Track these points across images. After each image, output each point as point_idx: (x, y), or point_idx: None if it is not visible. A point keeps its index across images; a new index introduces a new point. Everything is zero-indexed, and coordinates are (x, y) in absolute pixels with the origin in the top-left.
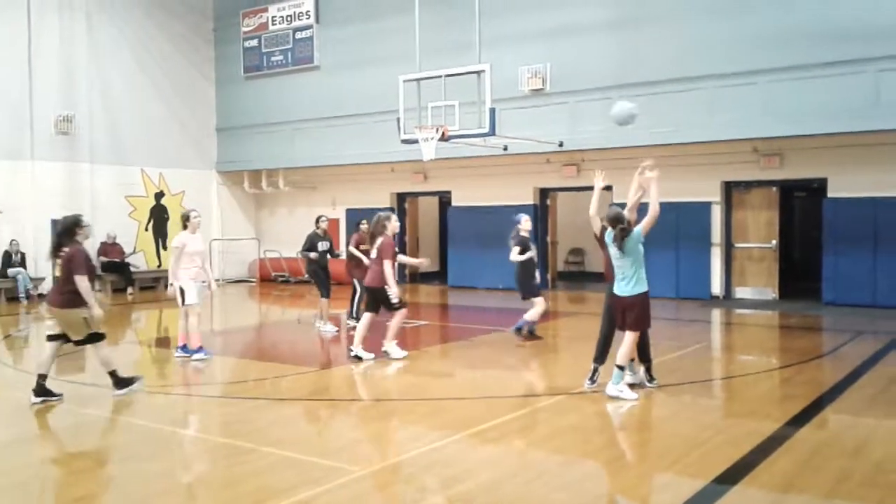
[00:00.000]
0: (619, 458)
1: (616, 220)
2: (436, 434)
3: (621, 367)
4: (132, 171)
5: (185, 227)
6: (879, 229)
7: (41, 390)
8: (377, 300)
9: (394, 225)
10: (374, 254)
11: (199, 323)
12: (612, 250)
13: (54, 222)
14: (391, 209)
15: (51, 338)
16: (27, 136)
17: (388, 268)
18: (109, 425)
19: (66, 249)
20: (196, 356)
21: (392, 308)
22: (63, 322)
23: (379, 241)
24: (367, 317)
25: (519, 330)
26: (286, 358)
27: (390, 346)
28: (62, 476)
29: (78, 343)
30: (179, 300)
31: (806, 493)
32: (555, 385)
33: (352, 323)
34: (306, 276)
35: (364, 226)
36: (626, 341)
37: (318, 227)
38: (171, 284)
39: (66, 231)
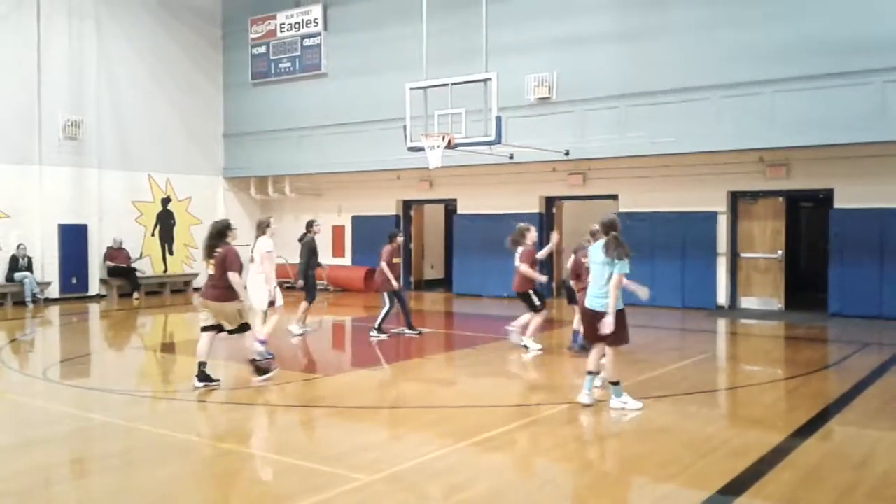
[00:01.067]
0: (622, 468)
1: (611, 227)
2: (439, 442)
3: (616, 384)
4: (139, 177)
5: (263, 232)
6: (886, 240)
7: (203, 376)
8: (524, 303)
9: (532, 234)
10: (517, 262)
11: (264, 324)
12: (600, 258)
13: (64, 227)
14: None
15: (205, 328)
16: (35, 141)
17: (532, 273)
18: (113, 431)
19: (220, 250)
20: (259, 348)
21: (535, 310)
22: (219, 314)
23: (520, 250)
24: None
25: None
26: (290, 364)
27: (528, 341)
28: (65, 482)
29: (231, 332)
30: (260, 304)
31: None
32: (559, 394)
33: (375, 336)
34: (300, 281)
35: (401, 238)
36: (610, 358)
37: (313, 232)
38: (275, 288)
39: (219, 233)
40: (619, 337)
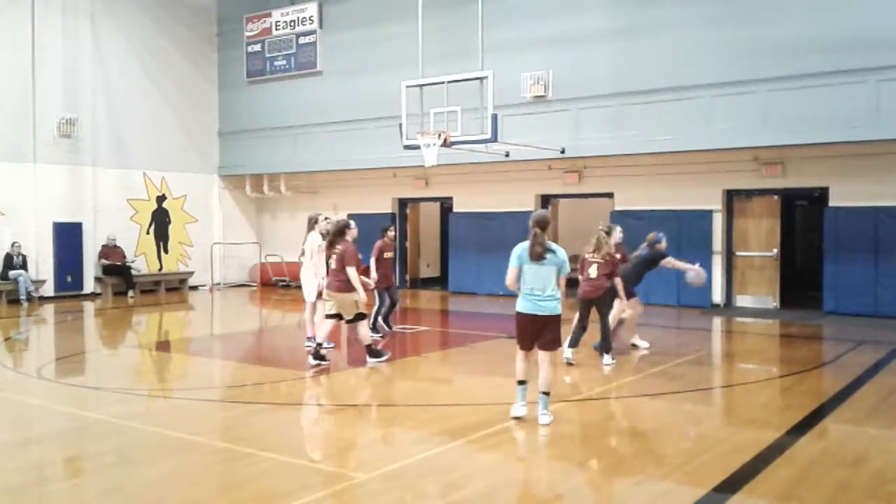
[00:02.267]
0: (618, 466)
1: (543, 223)
2: (435, 440)
3: (547, 393)
4: (134, 175)
5: (313, 228)
6: (880, 238)
7: (318, 355)
8: (597, 308)
9: (617, 235)
10: (593, 271)
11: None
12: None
13: (58, 225)
14: (541, 211)
15: (329, 316)
16: (30, 139)
17: (620, 282)
18: (107, 429)
19: (339, 247)
20: (326, 346)
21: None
22: (339, 304)
23: (601, 253)
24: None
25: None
26: (286, 362)
27: (635, 338)
28: (59, 480)
29: (348, 322)
30: (310, 296)
31: (806, 503)
32: (555, 392)
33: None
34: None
35: (392, 232)
36: (550, 366)
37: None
38: (324, 280)
39: (339, 231)
40: (558, 340)
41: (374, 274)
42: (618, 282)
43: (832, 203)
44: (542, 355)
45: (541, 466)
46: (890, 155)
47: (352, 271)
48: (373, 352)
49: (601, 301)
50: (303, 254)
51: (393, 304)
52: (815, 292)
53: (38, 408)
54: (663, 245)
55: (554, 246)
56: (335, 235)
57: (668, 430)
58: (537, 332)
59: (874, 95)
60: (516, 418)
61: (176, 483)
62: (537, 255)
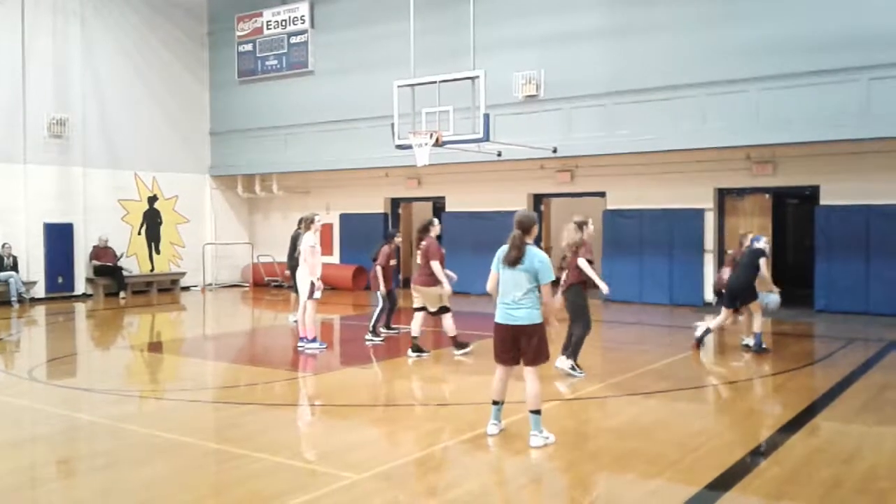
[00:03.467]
0: (610, 465)
1: (525, 224)
2: (429, 440)
3: (537, 412)
4: (125, 175)
5: (307, 228)
6: (871, 237)
7: (416, 348)
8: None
9: (590, 229)
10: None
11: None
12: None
13: (49, 226)
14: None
15: (416, 309)
16: (20, 139)
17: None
18: (99, 430)
19: (424, 242)
20: (312, 346)
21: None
22: (424, 297)
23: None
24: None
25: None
26: (278, 363)
27: (750, 339)
28: (51, 482)
29: (433, 314)
30: (304, 296)
31: (797, 500)
32: (547, 391)
33: (369, 338)
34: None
35: (399, 239)
36: (535, 381)
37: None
38: (318, 280)
39: (424, 228)
40: (545, 352)
41: (444, 274)
42: (583, 264)
43: (823, 201)
44: (526, 370)
45: (533, 465)
46: (881, 153)
47: (436, 265)
48: (458, 343)
49: (565, 296)
50: (297, 253)
51: (392, 309)
52: (807, 290)
53: (30, 409)
54: (762, 245)
55: (533, 251)
56: (420, 232)
57: (660, 427)
58: (515, 344)
59: (865, 94)
60: (490, 435)
61: (168, 484)
62: (511, 260)
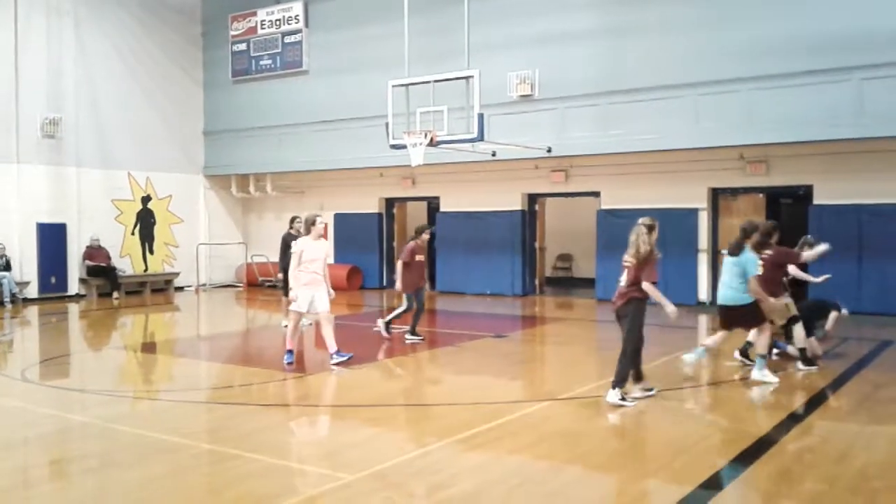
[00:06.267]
0: (604, 465)
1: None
2: (422, 440)
3: (764, 356)
4: (119, 175)
5: (307, 231)
6: (864, 236)
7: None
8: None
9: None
10: (623, 277)
11: (332, 328)
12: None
13: (42, 226)
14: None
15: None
16: (13, 139)
17: (653, 289)
18: (92, 431)
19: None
20: (339, 358)
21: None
22: (769, 311)
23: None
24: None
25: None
26: (272, 363)
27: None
28: (43, 483)
29: (783, 326)
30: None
31: (791, 499)
32: (541, 391)
33: (379, 327)
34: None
35: (427, 235)
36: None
37: (295, 230)
38: (291, 289)
39: (416, 232)
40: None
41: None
42: (649, 288)
43: (816, 201)
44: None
45: (527, 465)
46: (873, 153)
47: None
48: (806, 360)
49: (621, 315)
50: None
51: (418, 312)
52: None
53: (23, 410)
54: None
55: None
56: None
57: (654, 427)
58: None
59: (857, 94)
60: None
61: (162, 485)
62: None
